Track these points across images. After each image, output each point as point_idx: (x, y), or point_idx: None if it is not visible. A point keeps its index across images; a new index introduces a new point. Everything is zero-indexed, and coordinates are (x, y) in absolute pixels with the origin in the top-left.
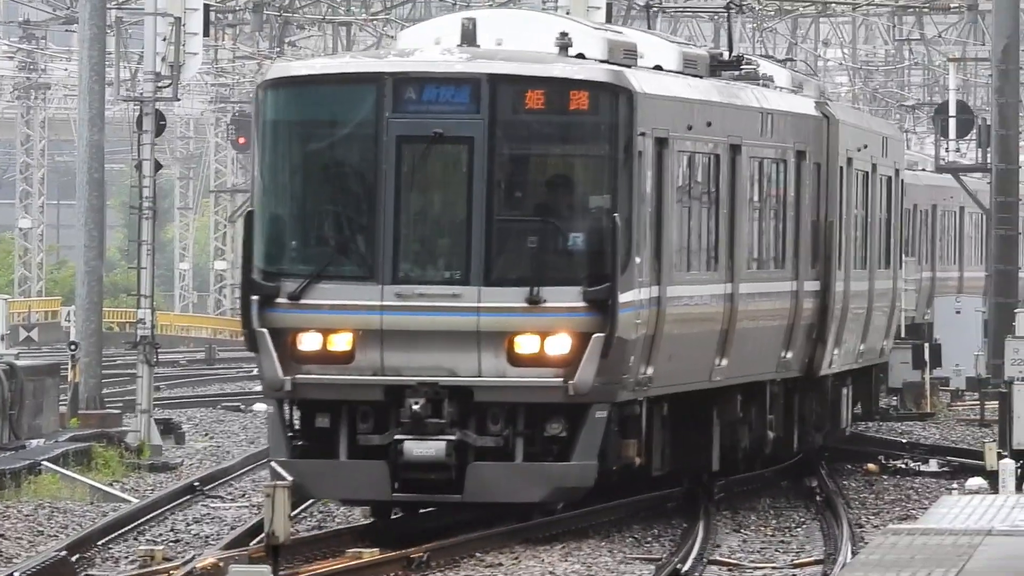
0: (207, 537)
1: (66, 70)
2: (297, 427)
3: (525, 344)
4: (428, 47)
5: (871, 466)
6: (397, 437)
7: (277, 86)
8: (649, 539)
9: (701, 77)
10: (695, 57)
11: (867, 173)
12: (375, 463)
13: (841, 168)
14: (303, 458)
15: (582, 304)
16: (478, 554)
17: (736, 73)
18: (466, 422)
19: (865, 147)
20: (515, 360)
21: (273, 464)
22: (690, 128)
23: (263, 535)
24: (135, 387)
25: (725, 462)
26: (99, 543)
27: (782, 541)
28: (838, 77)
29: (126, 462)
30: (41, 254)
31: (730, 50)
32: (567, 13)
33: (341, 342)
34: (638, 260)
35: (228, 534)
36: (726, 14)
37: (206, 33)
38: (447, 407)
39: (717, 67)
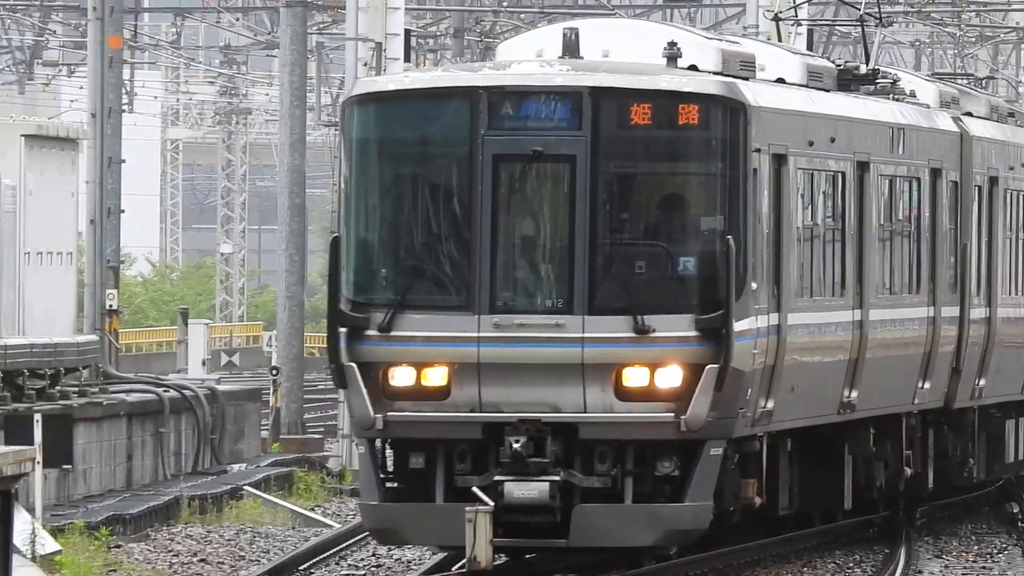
0: (408, 562)
1: (267, 95)
2: (390, 468)
3: (633, 377)
4: (528, 60)
5: None
6: (497, 478)
7: (363, 102)
8: (851, 564)
9: (827, 90)
10: (820, 69)
11: None
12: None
13: (979, 187)
14: (396, 501)
15: (694, 333)
16: None
17: (871, 88)
18: (571, 461)
19: (1023, 164)
20: (622, 394)
21: (360, 505)
22: (811, 144)
23: (465, 560)
24: (336, 412)
25: (859, 500)
26: (301, 568)
27: (984, 567)
28: None
29: (327, 487)
30: (242, 279)
31: (866, 63)
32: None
33: (436, 376)
34: (754, 286)
35: (430, 559)
36: (861, 27)
37: (407, 58)
38: (550, 445)
39: (849, 80)
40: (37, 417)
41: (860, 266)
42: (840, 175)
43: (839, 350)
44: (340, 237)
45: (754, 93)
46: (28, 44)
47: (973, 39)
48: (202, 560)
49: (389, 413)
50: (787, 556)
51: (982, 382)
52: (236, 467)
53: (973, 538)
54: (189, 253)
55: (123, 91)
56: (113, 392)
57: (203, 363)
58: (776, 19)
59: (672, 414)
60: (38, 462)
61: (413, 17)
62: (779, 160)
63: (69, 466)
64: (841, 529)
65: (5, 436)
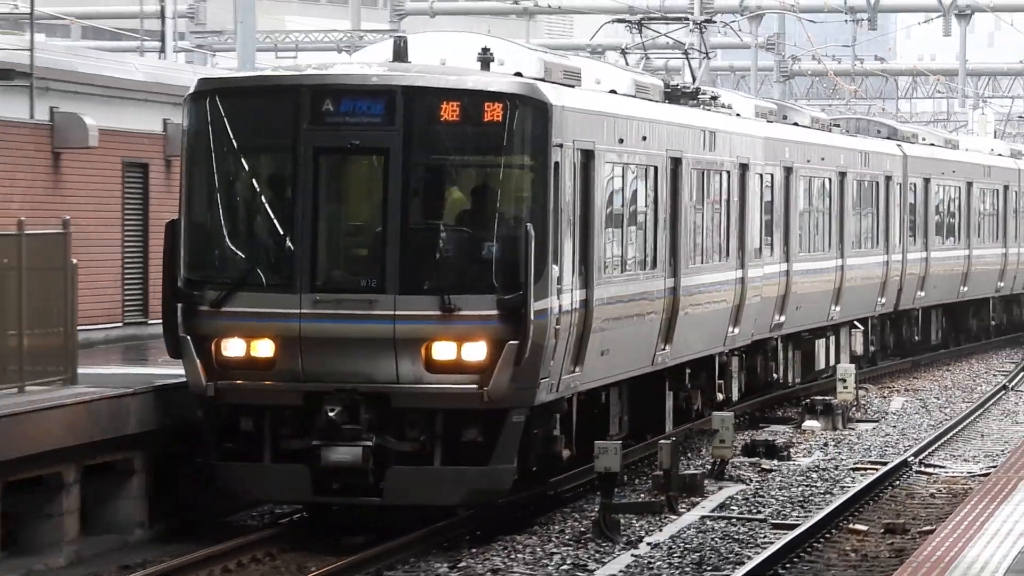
0: None
1: None
2: (225, 431)
3: (441, 351)
4: (354, 62)
5: None
6: (315, 443)
7: (199, 98)
8: (999, 364)
9: (654, 101)
10: (648, 84)
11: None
12: (296, 467)
13: (772, 175)
14: (229, 461)
15: (496, 312)
16: None
17: (695, 101)
18: (386, 427)
19: (822, 159)
20: (432, 367)
21: (199, 463)
22: (621, 141)
23: None
24: None
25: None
26: None
27: None
28: None
29: None
30: None
31: (693, 82)
32: None
33: (262, 349)
34: (555, 268)
35: None
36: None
37: None
38: (364, 413)
39: (678, 95)
40: None
41: (674, 242)
42: (652, 168)
43: (652, 314)
44: (177, 221)
45: (558, 95)
46: None
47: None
48: None
49: (220, 381)
50: (961, 360)
51: (782, 318)
52: None
53: None
54: None
55: None
56: None
57: None
58: (623, 52)
59: (476, 386)
60: None
61: None
62: (587, 155)
63: None
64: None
65: None
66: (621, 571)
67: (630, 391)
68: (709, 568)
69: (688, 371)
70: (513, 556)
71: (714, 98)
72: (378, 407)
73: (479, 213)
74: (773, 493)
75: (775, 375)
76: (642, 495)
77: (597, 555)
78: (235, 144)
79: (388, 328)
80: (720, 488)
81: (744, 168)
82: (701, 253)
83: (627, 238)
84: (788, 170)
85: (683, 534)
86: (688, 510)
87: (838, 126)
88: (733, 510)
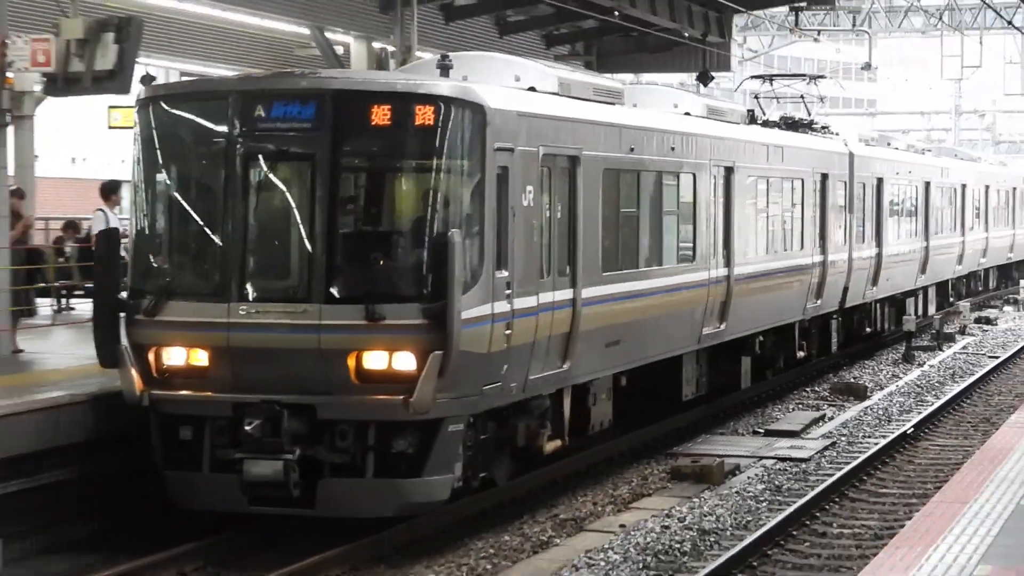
0: None
1: None
2: (167, 440)
3: (368, 361)
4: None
5: None
6: (238, 455)
7: (144, 105)
8: None
9: (731, 123)
10: (725, 109)
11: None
12: (232, 476)
13: (864, 184)
14: (170, 469)
15: (422, 321)
16: None
17: (806, 129)
18: (318, 438)
19: (909, 172)
20: (361, 377)
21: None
22: (632, 150)
23: None
24: None
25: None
26: None
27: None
28: None
29: None
30: None
31: (808, 115)
32: None
33: (194, 358)
34: (504, 273)
35: None
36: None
37: None
38: (288, 425)
39: (795, 125)
40: None
41: (727, 237)
42: (689, 176)
43: (695, 301)
44: (112, 231)
45: (509, 99)
46: None
47: None
48: None
49: (154, 391)
50: None
51: (874, 289)
52: None
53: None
54: None
55: None
56: None
57: None
58: (756, 97)
59: (402, 396)
60: None
61: None
62: (573, 161)
63: None
64: None
65: None
66: (916, 377)
67: (709, 360)
68: (960, 375)
69: (760, 338)
70: (860, 370)
71: (824, 127)
72: (305, 418)
73: (408, 220)
74: (988, 342)
75: (869, 328)
76: (925, 341)
77: (904, 370)
78: (172, 151)
79: (314, 338)
80: (963, 339)
81: (824, 177)
82: (763, 245)
83: (660, 236)
84: (880, 180)
85: (945, 361)
86: (948, 349)
87: (930, 151)
88: (969, 349)
